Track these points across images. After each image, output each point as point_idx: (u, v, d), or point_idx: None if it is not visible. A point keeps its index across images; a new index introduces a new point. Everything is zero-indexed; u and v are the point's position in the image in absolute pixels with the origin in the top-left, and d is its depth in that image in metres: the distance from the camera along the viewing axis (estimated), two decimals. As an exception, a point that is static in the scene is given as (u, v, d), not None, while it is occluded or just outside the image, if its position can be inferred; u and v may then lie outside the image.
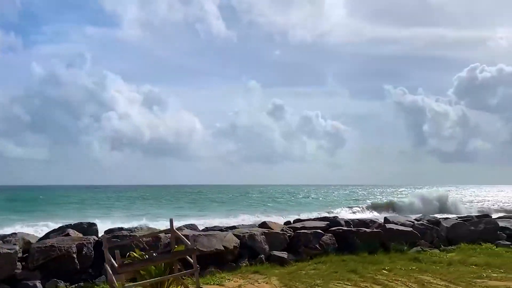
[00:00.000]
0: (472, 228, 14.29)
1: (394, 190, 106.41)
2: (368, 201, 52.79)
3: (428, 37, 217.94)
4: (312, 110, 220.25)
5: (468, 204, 44.87)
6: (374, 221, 15.11)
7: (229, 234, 11.40)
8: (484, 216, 17.76)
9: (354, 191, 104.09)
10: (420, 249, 12.54)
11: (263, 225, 13.31)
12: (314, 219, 15.50)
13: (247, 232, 11.67)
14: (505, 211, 32.87)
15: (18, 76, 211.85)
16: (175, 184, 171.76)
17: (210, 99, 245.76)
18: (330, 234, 12.38)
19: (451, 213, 31.98)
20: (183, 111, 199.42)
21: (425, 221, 15.21)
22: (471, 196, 71.56)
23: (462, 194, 79.11)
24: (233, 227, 13.88)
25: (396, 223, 14.25)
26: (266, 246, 11.44)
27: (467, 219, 16.04)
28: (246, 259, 10.84)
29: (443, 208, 36.32)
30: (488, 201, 52.89)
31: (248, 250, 11.21)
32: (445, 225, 14.57)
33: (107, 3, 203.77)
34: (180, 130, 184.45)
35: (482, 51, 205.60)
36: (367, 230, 12.84)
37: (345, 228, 13.03)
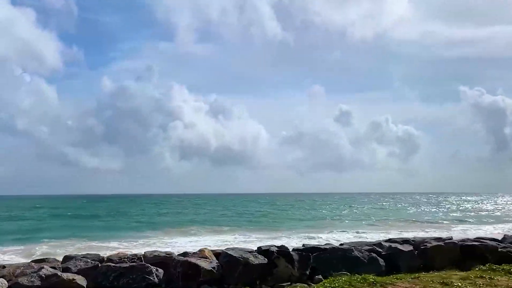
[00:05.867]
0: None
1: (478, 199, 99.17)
2: None
3: (508, 37, 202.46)
4: (381, 115, 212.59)
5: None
6: None
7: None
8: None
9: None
10: None
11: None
12: None
13: None
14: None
15: (91, 90, 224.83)
16: (245, 193, 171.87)
17: (274, 106, 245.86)
18: None
19: None
20: (248, 119, 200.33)
21: None
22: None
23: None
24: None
25: None
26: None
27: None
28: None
29: None
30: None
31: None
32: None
33: (166, 16, 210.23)
34: (246, 139, 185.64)
35: None
36: None
37: None
